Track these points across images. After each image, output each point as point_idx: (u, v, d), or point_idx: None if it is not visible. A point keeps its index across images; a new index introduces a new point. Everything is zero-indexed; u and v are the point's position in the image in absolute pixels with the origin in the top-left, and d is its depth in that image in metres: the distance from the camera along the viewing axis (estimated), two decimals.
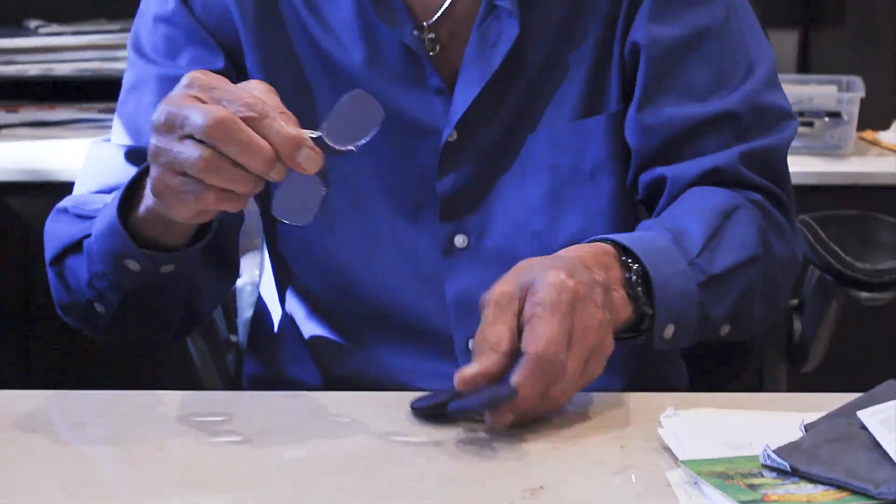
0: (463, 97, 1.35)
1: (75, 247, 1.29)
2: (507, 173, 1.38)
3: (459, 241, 1.39)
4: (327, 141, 1.08)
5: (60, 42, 2.61)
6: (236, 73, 1.38)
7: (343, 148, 1.08)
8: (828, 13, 2.75)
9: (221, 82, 1.10)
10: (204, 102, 1.08)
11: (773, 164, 1.37)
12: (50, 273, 1.34)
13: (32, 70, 2.60)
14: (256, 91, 1.09)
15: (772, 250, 1.34)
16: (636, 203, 1.43)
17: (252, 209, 1.47)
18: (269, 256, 1.48)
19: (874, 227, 1.48)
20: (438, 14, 1.36)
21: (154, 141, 1.09)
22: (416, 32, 1.35)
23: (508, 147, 1.38)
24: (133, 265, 1.23)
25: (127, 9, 2.71)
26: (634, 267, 1.22)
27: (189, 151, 1.07)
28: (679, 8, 1.37)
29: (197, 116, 1.06)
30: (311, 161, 1.07)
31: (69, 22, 2.68)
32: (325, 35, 1.37)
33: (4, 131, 2.58)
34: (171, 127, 1.08)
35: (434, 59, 1.36)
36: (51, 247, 1.33)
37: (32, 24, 2.68)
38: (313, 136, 1.07)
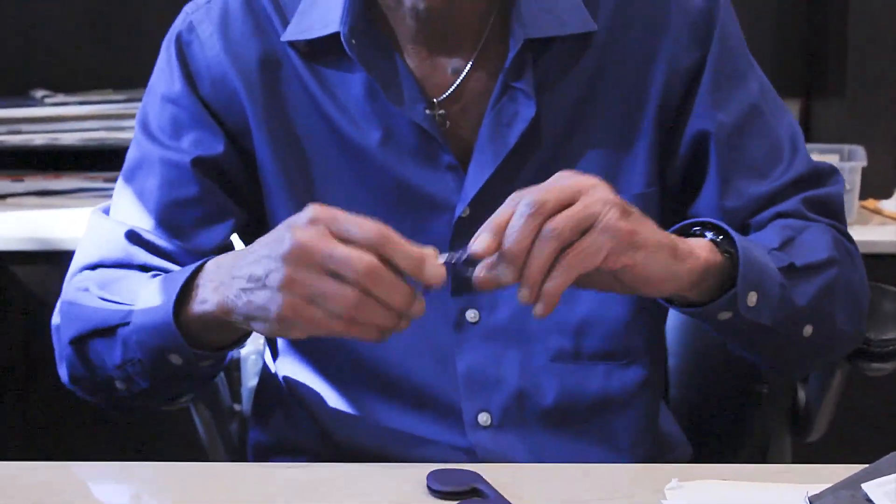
0: (477, 176, 1.36)
1: (105, 332, 1.32)
2: None
3: (470, 315, 1.39)
4: (453, 263, 1.17)
5: (66, 112, 2.63)
6: (238, 154, 1.40)
7: (464, 272, 1.16)
8: (829, 83, 2.76)
9: (339, 213, 1.15)
10: (337, 238, 1.13)
11: (832, 207, 1.41)
12: (68, 350, 1.35)
13: (38, 139, 2.61)
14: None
15: (848, 259, 1.37)
16: None
17: None
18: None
19: (878, 297, 1.48)
20: (449, 92, 1.37)
21: (288, 272, 1.14)
22: (427, 111, 1.36)
23: None
24: (176, 360, 1.27)
25: (132, 79, 2.74)
26: (709, 234, 1.27)
27: (339, 291, 1.13)
28: (728, 90, 1.39)
29: (348, 260, 1.12)
30: (435, 274, 1.14)
31: (75, 92, 2.70)
32: (340, 114, 1.38)
33: (10, 200, 2.59)
34: (309, 262, 1.13)
35: (445, 133, 1.37)
36: (73, 326, 1.34)
37: (38, 94, 2.70)
38: (441, 259, 1.16)
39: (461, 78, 1.37)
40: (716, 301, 1.25)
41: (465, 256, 1.16)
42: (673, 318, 1.67)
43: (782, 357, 1.37)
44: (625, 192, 1.37)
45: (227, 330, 1.24)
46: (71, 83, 2.76)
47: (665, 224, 1.41)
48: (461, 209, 1.36)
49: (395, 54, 1.37)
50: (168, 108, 1.40)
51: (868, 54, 2.66)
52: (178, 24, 1.42)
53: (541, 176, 1.37)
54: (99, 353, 1.32)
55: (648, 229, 1.19)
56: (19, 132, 2.61)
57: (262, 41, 1.39)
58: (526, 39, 1.34)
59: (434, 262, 1.14)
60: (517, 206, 1.15)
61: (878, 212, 2.62)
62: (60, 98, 2.67)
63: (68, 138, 2.62)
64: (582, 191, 1.16)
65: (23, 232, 2.42)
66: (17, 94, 2.74)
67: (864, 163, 2.50)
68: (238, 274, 1.19)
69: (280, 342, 1.47)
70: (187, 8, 1.43)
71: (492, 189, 1.36)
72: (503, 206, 1.16)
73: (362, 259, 1.12)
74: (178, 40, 1.41)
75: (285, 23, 1.39)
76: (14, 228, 2.43)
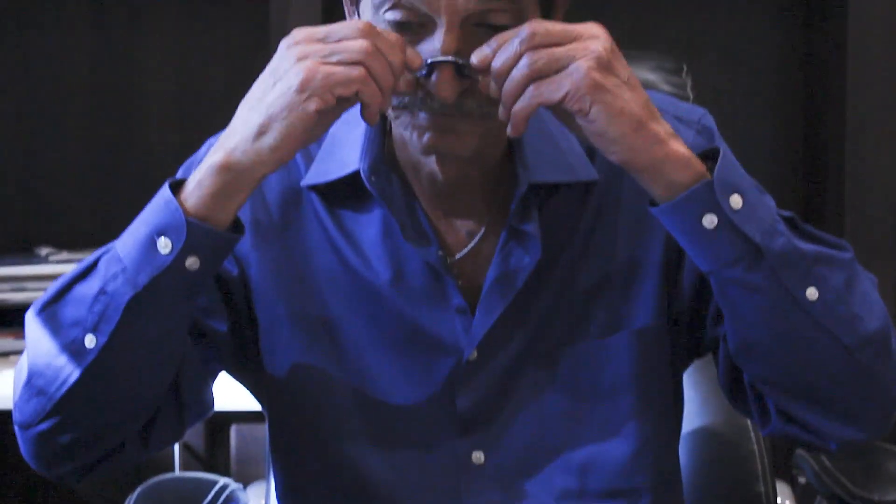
0: (484, 319, 1.38)
1: (82, 275, 1.32)
2: (526, 390, 1.40)
3: (477, 456, 1.40)
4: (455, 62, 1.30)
5: (69, 269, 2.64)
6: (240, 279, 1.42)
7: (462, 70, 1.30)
8: (827, 229, 2.77)
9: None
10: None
11: None
12: (34, 324, 1.34)
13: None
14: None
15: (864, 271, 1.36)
16: (659, 419, 1.44)
17: (259, 436, 1.48)
18: (275, 471, 1.48)
19: (880, 457, 1.48)
20: (463, 253, 1.39)
21: (299, 51, 1.26)
22: (440, 252, 1.38)
23: (528, 364, 1.40)
24: (164, 244, 1.26)
25: None
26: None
27: (351, 43, 1.25)
28: None
29: (345, 28, 1.26)
30: (413, 55, 1.28)
31: (79, 249, 2.71)
32: (354, 254, 1.40)
33: (12, 358, 2.59)
34: (317, 39, 1.26)
35: (455, 276, 1.40)
36: (43, 297, 1.34)
37: (43, 251, 2.71)
38: (443, 57, 1.30)
39: (475, 241, 1.39)
40: (693, 189, 1.26)
41: (465, 62, 1.29)
42: None
43: (793, 345, 1.32)
44: (631, 326, 1.39)
45: (225, 194, 1.26)
46: (75, 240, 2.78)
47: (676, 357, 1.42)
48: (469, 352, 1.39)
49: (413, 202, 1.39)
50: None
51: (866, 216, 2.67)
52: (202, 153, 1.46)
53: (548, 317, 1.39)
54: (76, 299, 1.31)
55: (621, 93, 1.24)
56: (23, 289, 2.62)
57: (285, 177, 1.42)
58: (530, 184, 1.36)
59: (413, 49, 1.28)
60: (518, 31, 1.26)
61: None
62: (64, 255, 2.68)
63: None
64: (579, 36, 1.24)
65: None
66: (22, 251, 2.75)
67: None
68: (241, 113, 1.27)
69: (289, 491, 1.46)
70: (210, 139, 1.46)
71: (499, 331, 1.38)
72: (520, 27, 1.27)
73: (356, 23, 1.26)
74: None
75: (310, 165, 1.42)
76: None
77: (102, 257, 1.32)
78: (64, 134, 2.83)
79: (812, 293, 1.29)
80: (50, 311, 1.33)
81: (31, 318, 1.35)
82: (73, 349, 1.31)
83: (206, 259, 1.28)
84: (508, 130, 1.27)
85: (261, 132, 1.26)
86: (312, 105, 1.24)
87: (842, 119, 2.66)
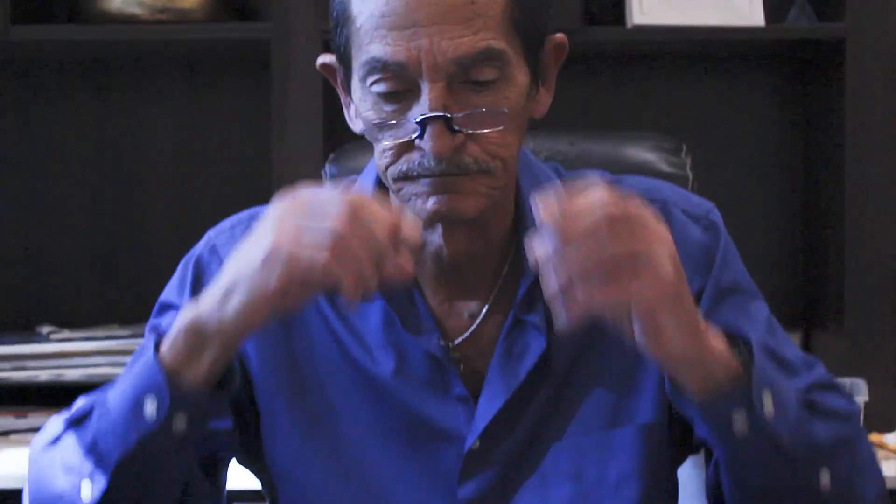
0: (487, 408, 1.38)
1: (78, 421, 1.32)
2: (529, 481, 1.39)
3: None
4: None
5: (71, 348, 2.64)
6: (241, 373, 1.41)
7: None
8: (828, 315, 2.77)
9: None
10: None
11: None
12: (33, 466, 1.34)
13: (43, 375, 2.62)
14: None
15: (865, 434, 1.36)
16: None
17: None
18: None
19: None
20: (464, 336, 1.39)
21: (282, 215, 1.22)
22: (441, 342, 1.38)
23: (531, 455, 1.39)
24: (150, 407, 1.25)
25: (137, 314, 2.75)
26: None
27: (325, 225, 1.20)
28: (736, 317, 1.38)
29: (330, 201, 1.21)
30: (410, 230, 1.23)
31: (80, 327, 2.72)
32: (356, 344, 1.40)
33: (13, 437, 2.58)
34: (301, 205, 1.22)
35: (458, 364, 1.39)
36: (44, 439, 1.35)
37: (44, 329, 2.71)
38: None
39: (476, 323, 1.39)
40: (727, 389, 1.24)
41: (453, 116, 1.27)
42: None
43: None
44: (635, 420, 1.38)
45: (194, 356, 1.25)
46: (76, 319, 2.78)
47: (676, 456, 1.42)
48: (471, 441, 1.38)
49: (413, 290, 1.39)
50: (173, 314, 1.41)
51: (866, 291, 2.68)
52: (200, 247, 1.46)
53: (552, 407, 1.38)
54: (72, 446, 1.31)
55: (684, 306, 1.22)
56: (24, 368, 2.62)
57: None
58: (535, 275, 1.37)
59: (410, 223, 1.23)
60: (593, 210, 1.18)
61: (882, 446, 2.60)
62: (66, 334, 2.68)
63: (73, 374, 2.62)
64: (650, 236, 1.19)
65: (26, 469, 2.40)
66: (24, 329, 2.75)
67: (865, 397, 2.49)
68: (222, 269, 1.25)
69: None
70: (210, 232, 1.46)
71: (502, 421, 1.38)
72: (587, 192, 1.20)
73: (347, 197, 1.21)
74: (198, 262, 1.44)
75: None
76: (17, 466, 2.42)
77: (97, 407, 1.32)
78: (65, 212, 2.84)
79: (825, 480, 1.30)
80: (48, 456, 1.34)
81: (31, 460, 1.36)
82: (71, 495, 1.31)
83: (192, 418, 1.28)
84: (561, 324, 1.20)
85: (226, 295, 1.24)
86: (272, 283, 1.21)
87: (840, 197, 2.67)
